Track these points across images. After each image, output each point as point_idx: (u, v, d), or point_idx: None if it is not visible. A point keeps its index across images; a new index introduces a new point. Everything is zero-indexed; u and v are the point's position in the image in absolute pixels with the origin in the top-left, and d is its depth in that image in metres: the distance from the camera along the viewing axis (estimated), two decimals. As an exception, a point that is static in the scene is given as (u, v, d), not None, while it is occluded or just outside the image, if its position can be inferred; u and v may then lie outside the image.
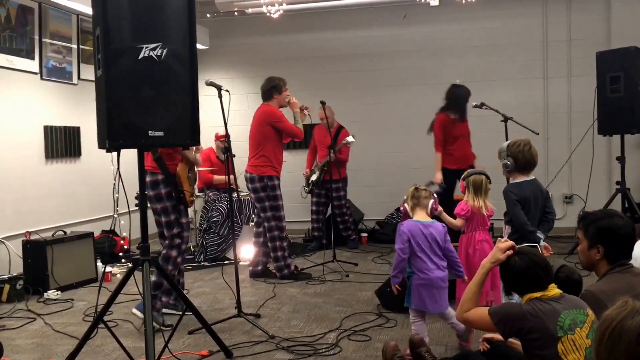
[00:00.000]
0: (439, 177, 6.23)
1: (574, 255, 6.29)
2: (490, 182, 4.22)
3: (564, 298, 2.42)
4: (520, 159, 3.78)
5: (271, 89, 5.78)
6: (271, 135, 5.69)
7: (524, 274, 2.47)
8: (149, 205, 4.23)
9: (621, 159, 6.38)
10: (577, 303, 2.41)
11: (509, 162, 3.80)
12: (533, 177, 3.88)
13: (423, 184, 3.95)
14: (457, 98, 6.33)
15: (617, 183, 6.40)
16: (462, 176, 4.24)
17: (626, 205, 6.30)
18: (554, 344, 2.30)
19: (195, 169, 4.94)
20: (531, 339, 2.34)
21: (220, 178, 7.28)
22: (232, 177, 4.46)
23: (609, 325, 1.55)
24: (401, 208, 3.80)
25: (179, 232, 4.57)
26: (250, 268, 6.04)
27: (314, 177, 7.33)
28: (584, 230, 2.75)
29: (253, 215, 6.75)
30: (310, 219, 7.62)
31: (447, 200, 5.66)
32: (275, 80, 5.81)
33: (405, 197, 3.79)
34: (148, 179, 4.36)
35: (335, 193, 7.32)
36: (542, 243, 3.74)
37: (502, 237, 3.92)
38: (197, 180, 4.93)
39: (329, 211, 7.41)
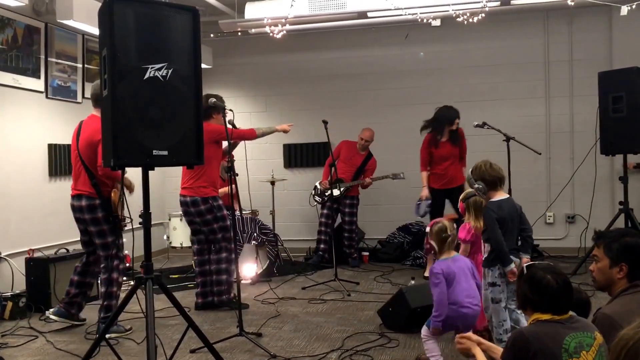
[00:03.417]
0: (425, 192, 6.75)
1: (577, 275, 6.27)
2: None
3: (572, 320, 2.37)
4: (487, 177, 3.86)
5: (210, 109, 5.30)
6: (214, 154, 5.34)
7: (556, 296, 2.36)
8: (84, 228, 4.81)
9: (624, 179, 6.38)
10: (585, 326, 2.37)
11: (480, 186, 3.87)
12: (508, 196, 3.97)
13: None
14: (437, 118, 6.64)
15: (620, 203, 6.39)
16: (461, 197, 4.25)
17: (629, 225, 6.29)
18: None
19: (126, 192, 5.01)
20: None
21: (222, 190, 7.32)
22: (234, 195, 4.48)
23: (625, 345, 1.53)
24: (427, 245, 3.76)
25: (116, 253, 4.81)
26: (200, 300, 5.55)
27: (336, 192, 7.23)
28: (606, 248, 2.65)
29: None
30: (316, 233, 7.61)
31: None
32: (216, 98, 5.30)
33: (428, 232, 3.79)
34: (85, 202, 4.73)
35: (349, 209, 7.37)
36: (512, 266, 3.75)
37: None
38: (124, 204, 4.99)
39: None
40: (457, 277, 3.64)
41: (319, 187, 7.55)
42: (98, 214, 4.72)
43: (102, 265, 4.83)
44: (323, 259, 7.38)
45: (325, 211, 7.48)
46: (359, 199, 7.57)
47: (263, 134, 5.80)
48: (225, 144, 5.44)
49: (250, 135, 5.62)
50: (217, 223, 5.43)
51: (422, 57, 8.14)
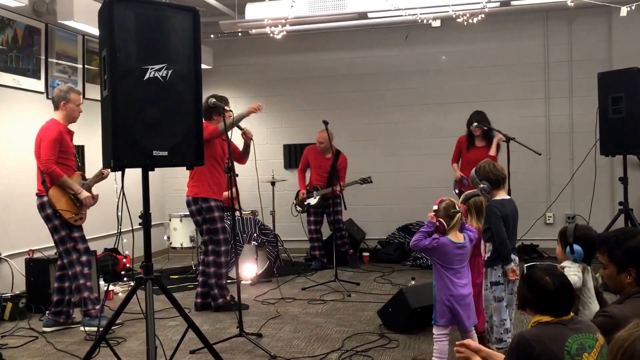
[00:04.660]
0: (457, 173, 6.54)
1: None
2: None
3: (574, 321, 2.36)
4: (492, 177, 3.92)
5: (210, 110, 5.22)
6: (208, 153, 4.86)
7: (552, 297, 2.35)
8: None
9: (624, 180, 6.38)
10: (587, 327, 2.36)
11: (485, 186, 3.91)
12: (509, 197, 4.03)
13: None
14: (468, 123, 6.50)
15: (620, 204, 6.39)
16: (461, 199, 4.24)
17: (629, 225, 6.28)
18: None
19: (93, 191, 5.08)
20: None
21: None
22: (234, 195, 4.48)
23: (621, 347, 1.53)
24: (437, 223, 3.63)
25: (74, 246, 4.87)
26: (199, 300, 5.55)
27: (312, 201, 7.29)
28: (609, 255, 2.62)
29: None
30: (308, 239, 7.59)
31: None
32: (219, 99, 5.13)
33: (435, 209, 3.66)
34: (37, 202, 4.86)
35: (333, 208, 7.30)
36: (512, 265, 3.78)
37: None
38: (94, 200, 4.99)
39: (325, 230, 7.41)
40: (449, 262, 3.61)
41: (299, 197, 7.52)
42: (47, 210, 4.81)
43: (65, 261, 4.90)
44: (322, 262, 7.38)
45: (311, 218, 7.45)
46: (340, 196, 7.25)
47: (228, 126, 4.85)
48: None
49: (214, 132, 5.18)
50: (205, 225, 5.41)
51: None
